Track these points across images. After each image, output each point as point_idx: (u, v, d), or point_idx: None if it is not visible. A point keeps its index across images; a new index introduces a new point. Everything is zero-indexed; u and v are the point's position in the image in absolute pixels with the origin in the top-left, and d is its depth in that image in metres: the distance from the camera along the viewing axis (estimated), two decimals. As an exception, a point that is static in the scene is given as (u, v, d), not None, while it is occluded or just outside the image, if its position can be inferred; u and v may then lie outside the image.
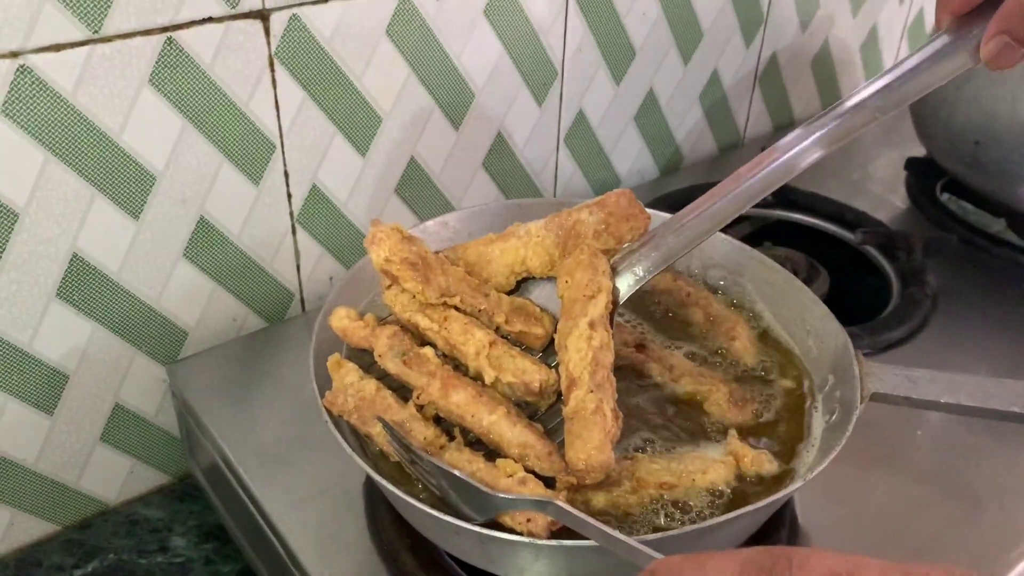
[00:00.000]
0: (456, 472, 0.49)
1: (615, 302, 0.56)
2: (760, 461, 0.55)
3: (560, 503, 0.46)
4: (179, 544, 0.74)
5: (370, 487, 0.63)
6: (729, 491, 0.54)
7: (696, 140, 1.11)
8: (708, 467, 0.54)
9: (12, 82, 0.59)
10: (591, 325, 0.53)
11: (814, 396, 0.61)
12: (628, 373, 0.61)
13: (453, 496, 0.49)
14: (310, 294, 0.83)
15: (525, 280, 0.60)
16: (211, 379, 0.73)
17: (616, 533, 0.44)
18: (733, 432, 0.57)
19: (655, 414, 0.60)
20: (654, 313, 0.69)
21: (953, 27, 0.49)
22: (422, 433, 0.53)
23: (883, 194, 1.06)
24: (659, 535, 0.48)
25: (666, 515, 0.53)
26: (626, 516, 0.52)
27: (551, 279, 0.59)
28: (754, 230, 0.97)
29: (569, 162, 0.98)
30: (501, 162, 0.91)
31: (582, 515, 0.45)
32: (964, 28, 0.48)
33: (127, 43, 0.62)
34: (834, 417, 0.57)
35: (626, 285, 0.57)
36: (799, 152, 0.53)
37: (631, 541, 0.43)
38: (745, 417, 0.59)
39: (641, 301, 0.69)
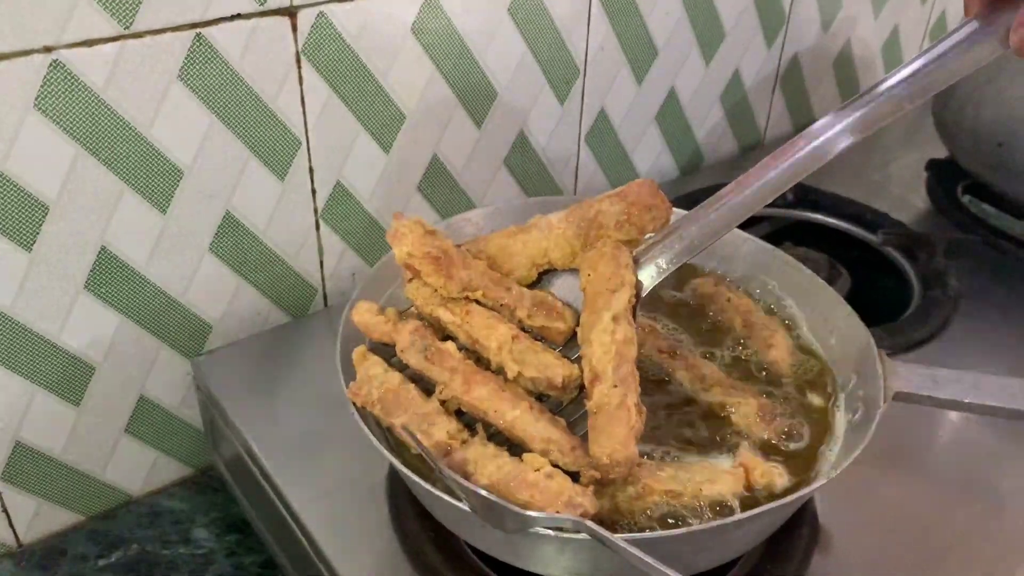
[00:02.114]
0: (483, 492, 0.48)
1: (638, 295, 0.56)
2: (771, 475, 0.54)
3: (590, 524, 0.46)
4: (202, 536, 0.75)
5: (393, 480, 0.63)
6: (737, 504, 0.53)
7: (717, 140, 1.11)
8: (716, 478, 0.53)
9: (45, 76, 0.60)
10: (614, 319, 0.53)
11: (836, 395, 0.61)
12: (657, 379, 0.61)
13: (481, 511, 0.48)
14: (333, 289, 0.84)
15: (547, 272, 0.60)
16: (235, 372, 0.74)
17: (652, 560, 0.44)
18: (745, 444, 0.56)
19: (674, 421, 0.59)
20: (692, 318, 0.68)
21: (982, 13, 0.48)
22: (445, 427, 0.54)
23: (903, 195, 1.06)
24: (683, 530, 0.48)
25: (669, 524, 0.51)
26: (628, 522, 0.52)
27: (573, 271, 0.59)
28: (774, 230, 0.97)
29: (590, 161, 0.98)
30: (522, 160, 0.92)
31: (611, 536, 0.45)
32: (994, 14, 0.48)
33: (157, 39, 0.63)
34: (857, 416, 0.57)
35: (649, 277, 0.57)
36: (826, 141, 0.52)
37: (665, 568, 0.43)
38: (772, 433, 0.58)
39: (679, 304, 0.69)
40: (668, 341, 0.63)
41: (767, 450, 0.57)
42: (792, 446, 0.58)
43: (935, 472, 0.68)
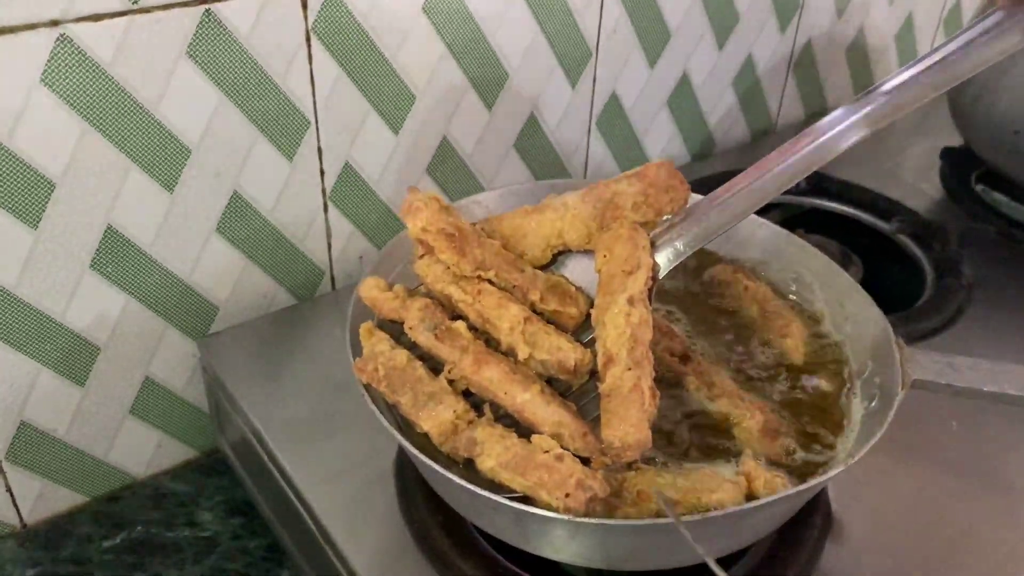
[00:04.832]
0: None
1: (654, 277, 0.55)
2: (774, 485, 0.52)
3: None
4: (206, 518, 0.74)
5: (401, 463, 0.63)
6: None
7: (728, 126, 1.10)
8: (717, 486, 0.51)
9: (52, 51, 0.59)
10: (630, 301, 0.52)
11: (852, 382, 0.60)
12: (666, 382, 0.59)
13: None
14: (340, 272, 0.83)
15: (561, 253, 0.59)
16: (242, 354, 0.73)
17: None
18: (748, 452, 0.55)
19: (679, 426, 0.58)
20: (708, 306, 0.67)
21: (1009, 3, 0.48)
22: (452, 406, 0.53)
23: (916, 183, 1.05)
24: (696, 516, 0.47)
25: None
26: None
27: (588, 252, 0.58)
28: (786, 218, 0.96)
29: (600, 145, 0.97)
30: (533, 143, 0.91)
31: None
32: (1020, 5, 0.47)
33: (166, 14, 0.62)
34: (873, 403, 0.56)
35: (666, 260, 0.56)
36: (845, 129, 0.52)
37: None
38: (774, 450, 0.56)
39: (695, 292, 0.68)
40: (682, 345, 0.61)
41: (771, 461, 0.55)
42: (797, 459, 0.56)
43: (949, 461, 0.67)
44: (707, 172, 0.97)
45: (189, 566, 0.70)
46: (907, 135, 1.14)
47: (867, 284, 0.64)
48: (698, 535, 0.49)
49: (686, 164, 1.08)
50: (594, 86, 0.92)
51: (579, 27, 0.87)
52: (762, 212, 0.62)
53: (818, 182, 0.97)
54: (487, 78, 0.83)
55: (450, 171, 0.85)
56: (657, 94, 0.99)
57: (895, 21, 1.22)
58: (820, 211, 0.97)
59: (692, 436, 0.57)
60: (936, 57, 0.50)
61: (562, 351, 0.54)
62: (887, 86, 0.52)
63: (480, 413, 0.54)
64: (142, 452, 0.77)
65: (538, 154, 0.92)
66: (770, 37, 1.06)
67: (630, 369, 0.50)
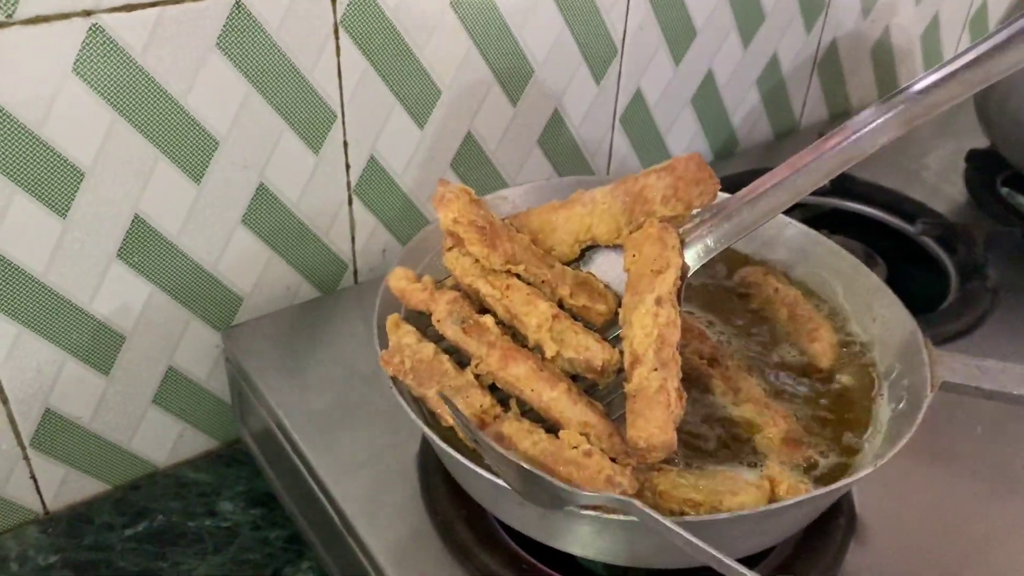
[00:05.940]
0: (525, 465, 0.46)
1: (683, 277, 0.54)
2: (798, 490, 0.51)
3: (639, 504, 0.45)
4: (227, 508, 0.75)
5: (424, 455, 0.63)
6: None
7: (752, 125, 1.09)
8: (739, 489, 0.50)
9: (84, 41, 0.59)
10: (658, 301, 0.52)
11: (880, 384, 0.59)
12: (691, 385, 0.58)
13: (521, 485, 0.47)
14: (363, 266, 0.83)
15: (589, 248, 0.59)
16: (265, 346, 0.74)
17: (702, 543, 0.43)
18: (773, 457, 0.54)
19: (701, 430, 0.57)
20: (737, 306, 0.67)
21: None
22: (478, 401, 0.53)
23: (940, 185, 1.04)
24: (727, 515, 0.47)
25: None
26: None
27: (616, 247, 0.58)
28: (809, 218, 0.95)
29: (624, 142, 0.97)
30: (557, 140, 0.90)
31: (662, 518, 0.44)
32: None
33: (196, 5, 0.62)
34: (901, 405, 0.56)
35: (695, 256, 0.55)
36: (878, 127, 0.51)
37: (725, 559, 0.42)
38: (795, 460, 0.55)
39: (726, 293, 0.68)
40: (711, 348, 0.61)
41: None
42: (822, 463, 0.56)
43: (972, 466, 0.66)
44: (730, 171, 0.97)
45: (209, 556, 0.70)
46: (932, 136, 1.13)
47: (890, 286, 0.64)
48: (723, 535, 0.49)
49: (709, 162, 1.07)
50: (619, 83, 0.92)
51: (605, 24, 0.87)
52: (785, 212, 0.62)
53: (842, 182, 0.96)
54: (512, 74, 0.83)
55: (474, 166, 0.85)
56: (681, 92, 0.99)
57: (921, 21, 1.21)
58: (843, 212, 0.96)
59: (716, 439, 0.57)
60: (970, 56, 0.49)
61: (590, 351, 0.54)
62: (920, 85, 0.51)
63: (506, 408, 0.54)
64: (164, 442, 0.78)
65: (562, 150, 0.92)
66: (795, 36, 1.06)
67: (656, 370, 0.50)
